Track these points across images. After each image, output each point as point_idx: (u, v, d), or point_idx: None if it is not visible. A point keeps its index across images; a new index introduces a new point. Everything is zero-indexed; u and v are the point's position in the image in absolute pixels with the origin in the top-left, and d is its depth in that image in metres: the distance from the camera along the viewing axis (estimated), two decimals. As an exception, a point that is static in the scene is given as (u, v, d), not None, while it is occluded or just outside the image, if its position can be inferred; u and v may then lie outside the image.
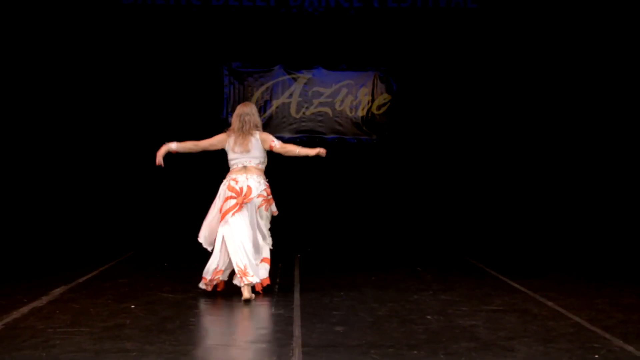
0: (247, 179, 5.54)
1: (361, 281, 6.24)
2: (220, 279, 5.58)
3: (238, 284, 5.42)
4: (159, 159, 5.59)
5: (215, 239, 5.54)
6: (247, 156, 5.59)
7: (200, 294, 5.54)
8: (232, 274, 5.59)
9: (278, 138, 5.85)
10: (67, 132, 10.65)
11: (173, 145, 5.62)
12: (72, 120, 10.70)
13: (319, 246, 8.69)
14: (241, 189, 5.50)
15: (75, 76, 10.71)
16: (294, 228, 9.88)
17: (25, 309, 4.92)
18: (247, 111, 5.65)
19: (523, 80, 10.94)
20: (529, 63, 10.91)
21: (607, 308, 5.16)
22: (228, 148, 5.66)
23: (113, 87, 10.91)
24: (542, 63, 10.87)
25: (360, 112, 11.35)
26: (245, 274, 5.32)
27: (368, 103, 11.36)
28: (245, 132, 5.58)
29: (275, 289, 5.84)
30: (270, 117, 11.16)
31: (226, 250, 5.46)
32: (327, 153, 5.75)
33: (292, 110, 11.24)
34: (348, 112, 11.34)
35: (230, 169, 5.69)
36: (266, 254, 5.69)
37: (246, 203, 5.50)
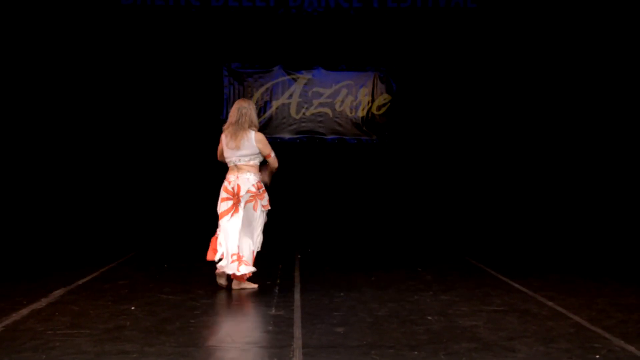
0: (237, 177, 5.65)
1: (361, 281, 6.22)
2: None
3: (228, 271, 5.57)
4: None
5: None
6: (237, 154, 5.66)
7: (200, 295, 5.54)
8: (231, 281, 5.71)
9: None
10: (67, 133, 10.67)
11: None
12: (72, 121, 10.72)
13: (319, 246, 8.67)
14: (233, 189, 5.63)
15: (75, 77, 10.73)
16: (294, 228, 9.89)
17: (24, 311, 4.91)
18: (245, 105, 5.72)
19: (523, 80, 10.96)
20: (528, 63, 10.92)
21: (607, 308, 5.16)
22: (224, 145, 5.71)
23: (113, 88, 10.93)
24: (542, 63, 10.88)
25: (360, 113, 11.35)
26: (240, 261, 5.51)
27: (368, 103, 11.36)
28: (240, 125, 5.61)
29: (275, 289, 5.84)
30: (270, 118, 11.13)
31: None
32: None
33: (292, 111, 11.21)
34: (348, 113, 11.33)
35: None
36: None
37: (240, 202, 5.59)
